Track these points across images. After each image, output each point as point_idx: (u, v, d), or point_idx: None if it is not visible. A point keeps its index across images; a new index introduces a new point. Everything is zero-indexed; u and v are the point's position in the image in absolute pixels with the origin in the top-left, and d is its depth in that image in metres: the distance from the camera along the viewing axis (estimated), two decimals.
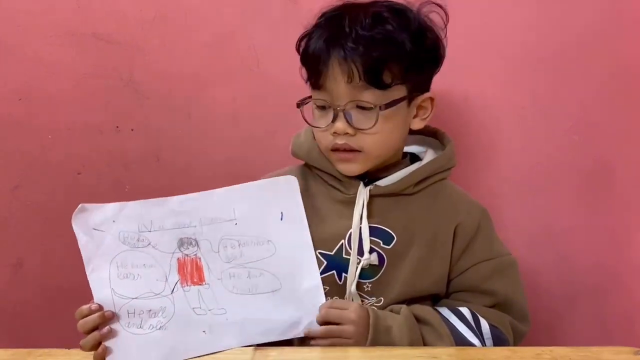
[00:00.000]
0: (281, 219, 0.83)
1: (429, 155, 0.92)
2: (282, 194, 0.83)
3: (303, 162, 0.95)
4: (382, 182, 0.88)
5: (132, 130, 1.13)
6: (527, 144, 1.14)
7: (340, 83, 0.81)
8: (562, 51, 1.11)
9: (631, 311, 1.19)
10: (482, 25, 1.10)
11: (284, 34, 1.08)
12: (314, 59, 0.83)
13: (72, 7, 1.09)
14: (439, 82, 0.90)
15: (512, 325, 0.87)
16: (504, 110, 1.13)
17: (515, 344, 0.88)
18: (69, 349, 0.78)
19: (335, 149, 0.86)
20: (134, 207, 0.81)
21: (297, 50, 0.88)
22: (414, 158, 0.94)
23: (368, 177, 0.89)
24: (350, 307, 0.81)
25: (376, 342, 0.79)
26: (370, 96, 0.82)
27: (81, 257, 0.80)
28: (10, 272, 1.17)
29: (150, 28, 1.10)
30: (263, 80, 1.12)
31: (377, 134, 0.83)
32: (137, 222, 0.80)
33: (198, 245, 0.81)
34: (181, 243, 0.81)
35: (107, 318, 0.78)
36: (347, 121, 0.83)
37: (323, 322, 0.81)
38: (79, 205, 0.80)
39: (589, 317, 1.19)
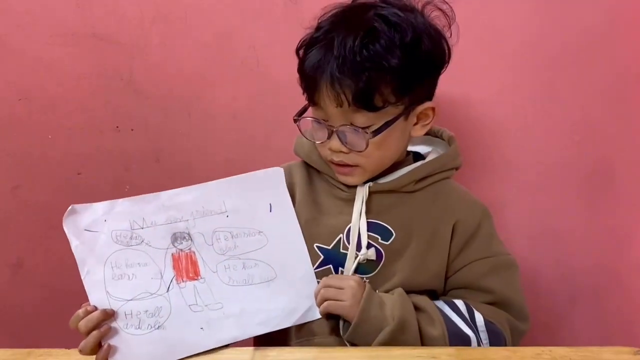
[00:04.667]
0: (270, 211, 0.85)
1: (432, 155, 0.92)
2: (269, 186, 0.85)
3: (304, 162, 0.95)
4: (382, 180, 0.89)
5: (132, 130, 1.13)
6: (527, 144, 1.14)
7: (330, 106, 0.81)
8: (562, 52, 1.11)
9: (631, 311, 1.19)
10: (482, 26, 1.10)
11: (284, 34, 1.08)
12: (307, 77, 0.83)
13: (72, 7, 1.09)
14: (439, 82, 0.90)
15: (509, 323, 0.87)
16: (504, 111, 1.13)
17: (514, 343, 0.88)
18: (69, 349, 0.78)
19: (334, 163, 0.87)
20: (124, 205, 0.81)
21: (297, 55, 0.88)
22: (419, 157, 0.94)
23: None
24: (352, 277, 0.84)
25: (367, 313, 0.79)
26: (362, 118, 0.81)
27: None
28: (10, 272, 1.17)
29: (150, 28, 1.10)
30: (263, 80, 1.12)
31: (370, 155, 0.84)
32: (129, 219, 0.81)
33: (192, 239, 0.82)
34: (175, 238, 0.82)
35: (109, 315, 0.77)
36: (341, 140, 0.83)
37: (323, 287, 0.83)
38: (69, 207, 0.79)
39: (589, 317, 1.19)
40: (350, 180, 0.88)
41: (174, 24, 1.10)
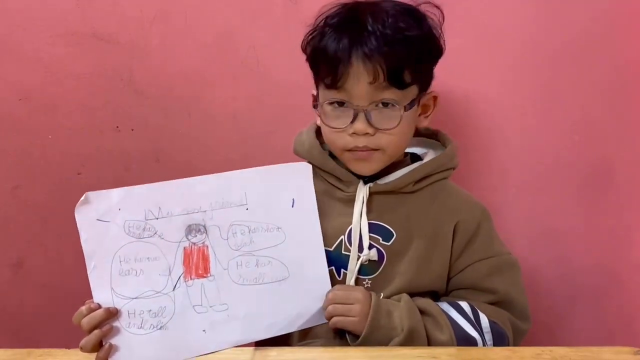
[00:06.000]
0: (292, 206, 0.83)
1: (429, 156, 0.93)
2: (295, 179, 0.84)
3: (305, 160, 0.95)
4: (382, 180, 0.89)
5: (132, 130, 1.13)
6: (527, 144, 1.14)
7: (362, 83, 0.81)
8: (562, 51, 1.11)
9: (631, 311, 1.19)
10: (482, 25, 1.10)
11: (284, 34, 1.09)
12: (332, 59, 0.82)
13: (72, 7, 1.09)
14: (439, 82, 0.90)
15: (512, 322, 0.88)
16: (504, 110, 1.13)
17: (516, 343, 0.88)
18: (69, 349, 0.78)
19: (352, 149, 0.85)
20: (140, 191, 0.79)
21: (304, 49, 0.87)
22: (416, 158, 0.94)
23: (368, 176, 0.89)
24: (357, 289, 0.83)
25: (377, 323, 0.80)
26: (391, 95, 0.82)
27: (82, 257, 0.78)
28: (10, 272, 1.17)
29: (150, 28, 1.10)
30: (263, 80, 1.12)
31: (396, 134, 0.84)
32: (144, 207, 0.79)
33: (207, 233, 0.80)
34: (189, 230, 0.80)
35: (112, 313, 0.77)
36: (368, 121, 0.83)
37: (330, 304, 0.82)
38: (84, 195, 0.77)
39: (589, 317, 1.19)
40: (367, 167, 0.87)
41: (174, 24, 1.10)
